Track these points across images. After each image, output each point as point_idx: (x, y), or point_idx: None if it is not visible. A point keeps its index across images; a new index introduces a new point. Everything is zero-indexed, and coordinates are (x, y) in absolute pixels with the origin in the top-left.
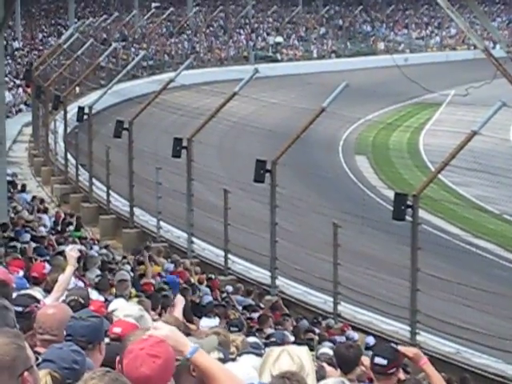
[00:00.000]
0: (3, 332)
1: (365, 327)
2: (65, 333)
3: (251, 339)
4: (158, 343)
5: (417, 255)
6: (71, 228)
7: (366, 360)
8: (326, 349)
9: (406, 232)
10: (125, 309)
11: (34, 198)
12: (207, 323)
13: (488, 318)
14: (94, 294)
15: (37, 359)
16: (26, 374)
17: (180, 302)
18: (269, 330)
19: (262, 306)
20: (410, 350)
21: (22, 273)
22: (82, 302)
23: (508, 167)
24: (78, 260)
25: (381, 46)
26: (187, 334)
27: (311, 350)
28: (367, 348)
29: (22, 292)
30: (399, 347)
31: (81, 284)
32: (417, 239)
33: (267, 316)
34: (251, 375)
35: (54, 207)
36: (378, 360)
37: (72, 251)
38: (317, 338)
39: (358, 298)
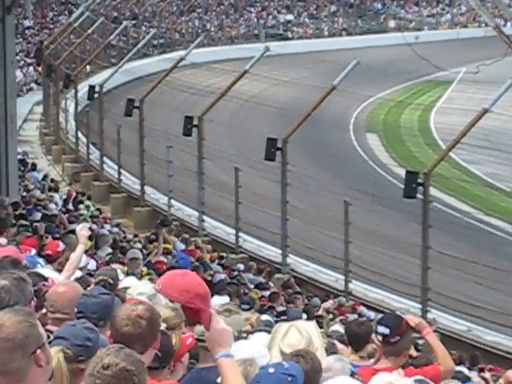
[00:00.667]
0: (15, 310)
1: (376, 305)
2: (76, 310)
3: (264, 317)
4: None
5: (428, 233)
6: (82, 206)
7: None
8: (337, 326)
9: (417, 210)
10: (138, 287)
11: (45, 176)
12: (218, 301)
13: (499, 295)
14: None
15: (48, 337)
16: (38, 351)
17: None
18: (280, 308)
19: (271, 284)
20: (413, 319)
21: (34, 251)
22: (111, 282)
23: None
24: (90, 238)
25: (391, 23)
26: None
27: (321, 327)
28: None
29: (29, 271)
30: (405, 315)
31: (93, 262)
32: (428, 217)
33: (278, 294)
34: (261, 353)
35: (65, 186)
36: (380, 329)
37: (83, 230)
38: (327, 315)
39: (369, 275)
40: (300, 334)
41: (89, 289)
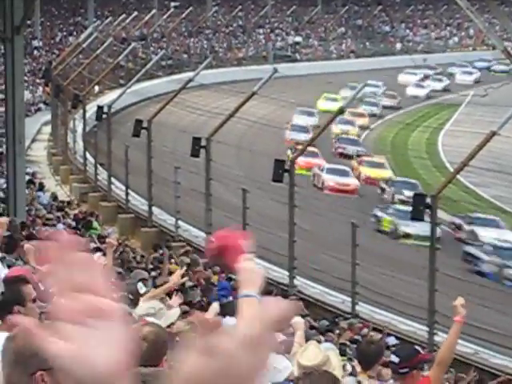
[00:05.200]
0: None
1: (383, 327)
2: None
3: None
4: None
5: (435, 255)
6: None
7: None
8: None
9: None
10: (142, 307)
11: (54, 197)
12: (230, 322)
13: (506, 318)
14: None
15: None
16: (40, 373)
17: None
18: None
19: None
20: (459, 300)
21: None
22: (131, 297)
23: None
24: None
25: (399, 46)
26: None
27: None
28: (387, 348)
29: None
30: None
31: None
32: (435, 239)
33: None
34: (278, 367)
35: (73, 206)
36: (391, 357)
37: (99, 259)
38: (336, 338)
39: (376, 298)
40: (318, 349)
41: None
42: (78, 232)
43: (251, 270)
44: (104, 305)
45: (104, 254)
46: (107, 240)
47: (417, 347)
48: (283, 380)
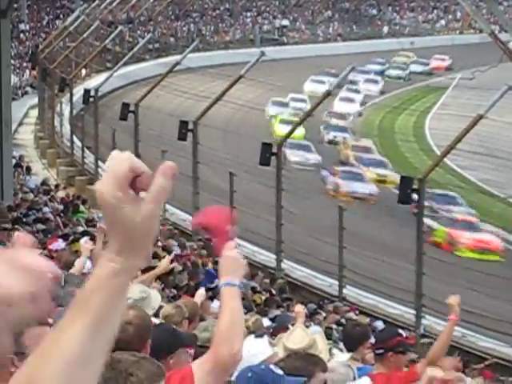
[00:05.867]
0: None
1: (370, 311)
2: None
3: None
4: None
5: (422, 239)
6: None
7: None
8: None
9: (412, 215)
10: (134, 291)
11: (43, 182)
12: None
13: (493, 301)
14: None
15: None
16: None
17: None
18: (275, 313)
19: (273, 291)
20: (453, 298)
21: None
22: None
23: None
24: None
25: (386, 29)
26: (201, 318)
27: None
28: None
29: None
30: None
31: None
32: (422, 223)
33: (273, 299)
34: (252, 351)
35: (61, 189)
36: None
37: (86, 243)
38: (323, 320)
39: (363, 281)
40: (305, 332)
41: None
42: (65, 215)
43: (234, 259)
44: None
45: (92, 238)
46: (98, 225)
47: (400, 331)
48: (259, 362)
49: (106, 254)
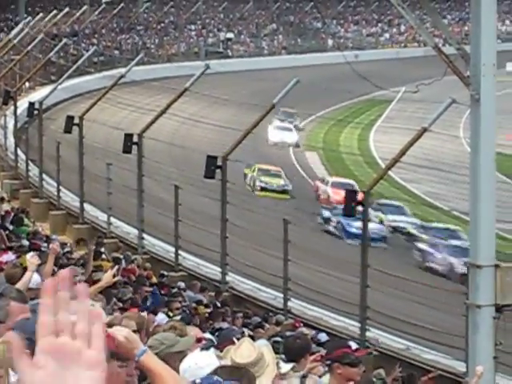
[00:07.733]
0: None
1: (315, 323)
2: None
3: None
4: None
5: (367, 251)
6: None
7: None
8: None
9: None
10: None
11: None
12: (160, 317)
13: (437, 314)
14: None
15: None
16: None
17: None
18: (220, 325)
19: (217, 303)
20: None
21: None
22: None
23: (458, 164)
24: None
25: (331, 42)
26: (147, 329)
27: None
28: (319, 344)
29: None
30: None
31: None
32: (367, 236)
33: (218, 312)
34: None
35: (5, 202)
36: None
37: (33, 258)
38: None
39: (308, 294)
40: (252, 346)
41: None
42: (9, 230)
43: (127, 335)
44: (87, 353)
45: (38, 254)
46: (51, 245)
47: (351, 343)
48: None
49: None
